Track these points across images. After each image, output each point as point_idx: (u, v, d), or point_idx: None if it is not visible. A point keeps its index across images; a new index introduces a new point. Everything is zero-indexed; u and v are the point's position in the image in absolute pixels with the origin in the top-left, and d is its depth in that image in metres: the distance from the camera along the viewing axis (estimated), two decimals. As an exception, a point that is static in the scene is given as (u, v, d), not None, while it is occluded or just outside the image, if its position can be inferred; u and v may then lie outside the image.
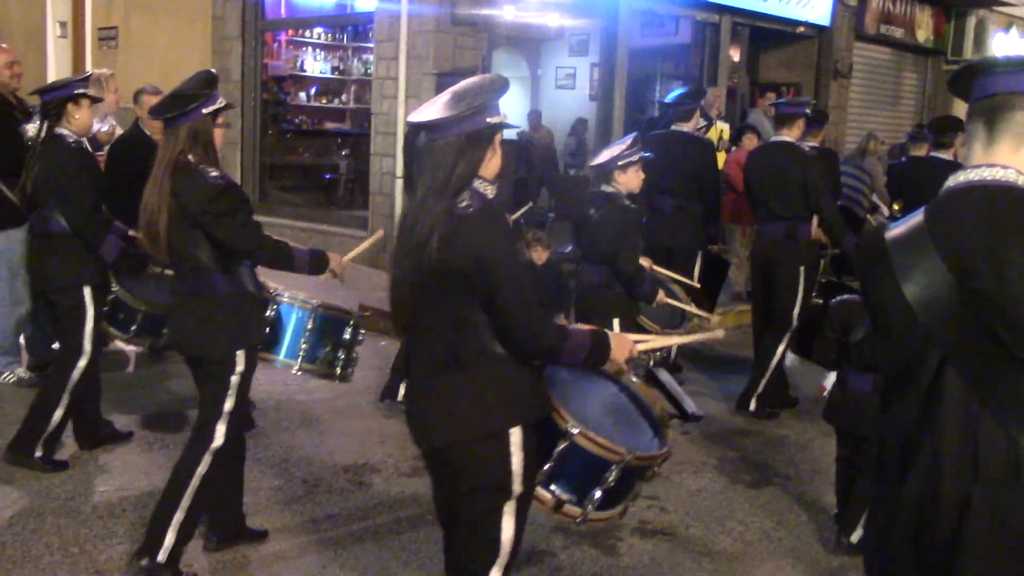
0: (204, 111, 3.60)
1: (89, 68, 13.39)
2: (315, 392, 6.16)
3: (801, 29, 12.76)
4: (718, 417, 6.27)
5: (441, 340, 2.65)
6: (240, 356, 3.68)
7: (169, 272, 4.86)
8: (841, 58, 13.14)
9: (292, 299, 4.07)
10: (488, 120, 2.58)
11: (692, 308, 5.65)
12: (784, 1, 12.19)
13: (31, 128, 4.93)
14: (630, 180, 5.06)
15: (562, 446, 2.79)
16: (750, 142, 8.79)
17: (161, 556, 3.64)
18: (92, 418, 5.07)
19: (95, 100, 5.02)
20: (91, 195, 4.70)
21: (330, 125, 13.07)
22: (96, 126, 6.52)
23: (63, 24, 14.50)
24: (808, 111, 6.57)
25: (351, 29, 12.70)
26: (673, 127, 7.05)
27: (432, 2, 9.08)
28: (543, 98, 14.53)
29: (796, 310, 6.20)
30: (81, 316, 4.69)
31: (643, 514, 4.62)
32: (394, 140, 9.45)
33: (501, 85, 2.63)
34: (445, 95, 2.61)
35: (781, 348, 6.31)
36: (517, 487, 2.69)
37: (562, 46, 13.79)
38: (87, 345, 4.71)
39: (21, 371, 6.03)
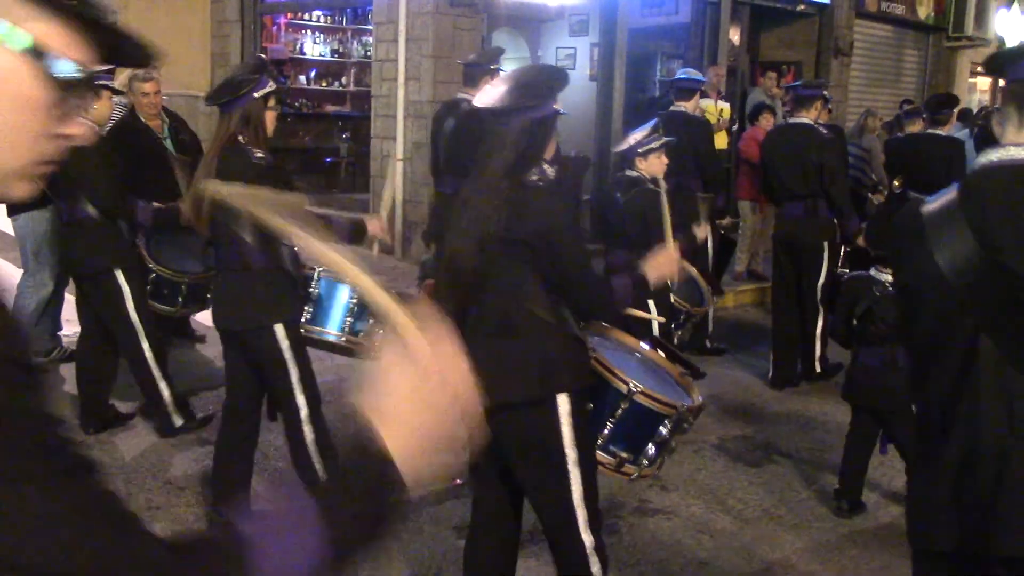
0: (256, 95, 3.75)
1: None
2: (323, 374, 6.15)
3: (801, 7, 12.69)
4: (718, 396, 6.30)
5: (494, 308, 2.81)
6: (280, 331, 3.81)
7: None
8: (842, 36, 13.07)
9: (332, 274, 4.14)
10: (554, 107, 2.82)
11: (704, 281, 5.90)
12: (784, -21, 12.14)
13: None
14: (651, 166, 5.07)
15: (623, 407, 2.95)
16: (767, 121, 8.85)
17: None
18: (99, 402, 5.11)
19: (116, 92, 5.05)
20: (108, 176, 4.80)
21: (330, 108, 13.06)
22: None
23: (62, 9, 14.46)
24: (825, 93, 6.76)
25: (350, 11, 12.68)
26: (672, 108, 7.08)
27: (431, -17, 9.05)
28: (544, 79, 14.48)
29: (821, 281, 6.43)
30: (120, 299, 4.83)
31: (643, 493, 4.66)
32: (394, 122, 9.43)
33: (566, 77, 2.90)
34: (506, 83, 2.80)
35: (822, 318, 6.51)
36: (570, 451, 2.82)
37: (562, 26, 13.71)
38: (138, 324, 4.85)
39: (27, 357, 6.04)
